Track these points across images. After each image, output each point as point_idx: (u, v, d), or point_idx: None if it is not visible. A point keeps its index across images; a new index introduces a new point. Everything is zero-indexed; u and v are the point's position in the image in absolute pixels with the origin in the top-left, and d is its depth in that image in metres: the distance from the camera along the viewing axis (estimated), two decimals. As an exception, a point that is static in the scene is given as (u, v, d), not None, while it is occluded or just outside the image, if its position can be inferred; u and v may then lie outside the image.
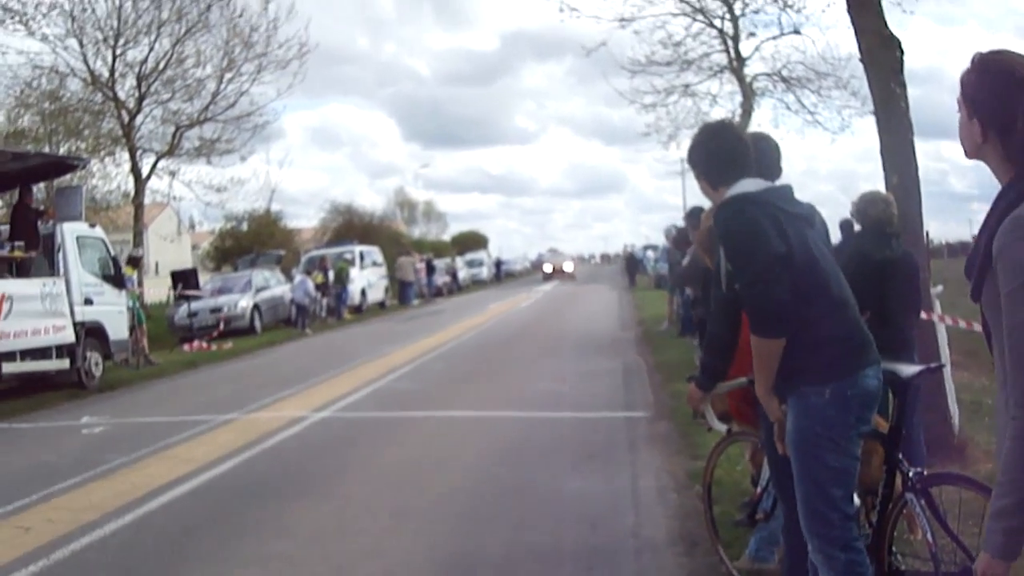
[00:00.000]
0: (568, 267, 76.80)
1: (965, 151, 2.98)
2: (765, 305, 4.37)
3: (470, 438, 11.89)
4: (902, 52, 9.59)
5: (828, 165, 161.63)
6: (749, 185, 4.66)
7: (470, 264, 71.79)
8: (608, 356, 19.75)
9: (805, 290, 4.40)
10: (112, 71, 31.75)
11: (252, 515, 8.63)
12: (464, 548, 7.40)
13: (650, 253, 60.71)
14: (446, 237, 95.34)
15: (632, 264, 58.29)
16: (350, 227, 58.62)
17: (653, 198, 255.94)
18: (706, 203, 6.12)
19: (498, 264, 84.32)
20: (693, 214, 10.42)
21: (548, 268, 77.02)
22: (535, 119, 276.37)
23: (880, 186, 9.15)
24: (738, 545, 6.45)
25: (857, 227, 8.09)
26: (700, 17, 27.12)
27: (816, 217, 5.55)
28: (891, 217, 7.59)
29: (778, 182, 5.22)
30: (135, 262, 24.28)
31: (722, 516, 7.21)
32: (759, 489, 6.16)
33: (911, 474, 4.76)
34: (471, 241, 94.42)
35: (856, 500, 5.09)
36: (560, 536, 7.54)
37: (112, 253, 21.34)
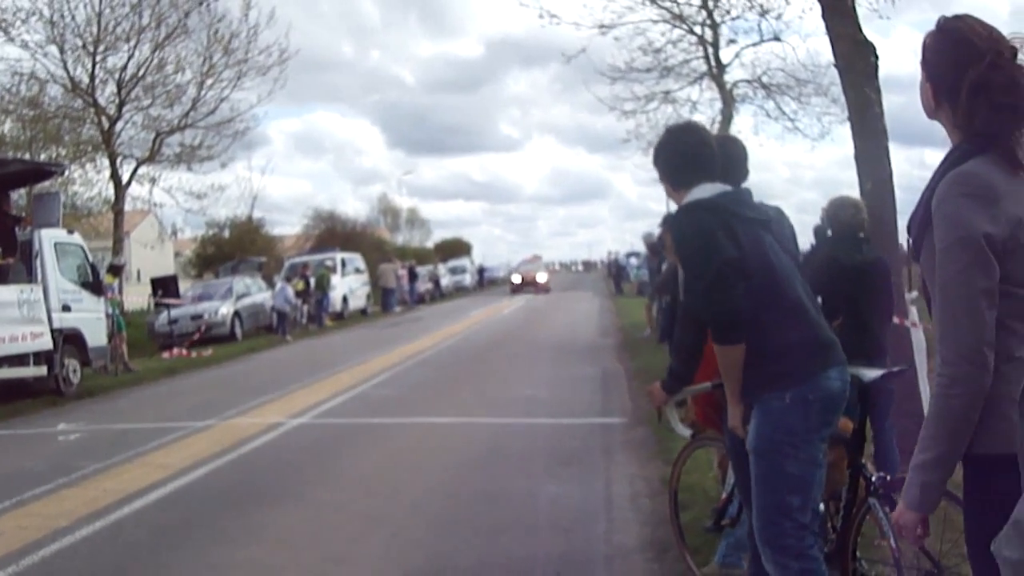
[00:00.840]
0: (541, 277, 64.89)
1: (925, 112, 3.01)
2: (719, 312, 4.36)
3: (447, 444, 11.86)
4: (877, 57, 9.61)
5: (812, 173, 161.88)
6: (704, 191, 4.65)
7: (453, 271, 71.76)
8: (587, 362, 19.77)
9: (760, 296, 4.38)
10: (92, 77, 31.66)
11: (223, 521, 8.60)
12: (435, 554, 7.35)
13: (633, 260, 60.80)
14: (430, 244, 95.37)
15: (617, 271, 58.64)
16: (333, 234, 58.49)
17: (637, 205, 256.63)
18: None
19: (481, 271, 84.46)
20: (668, 221, 10.42)
21: (516, 279, 65.50)
22: (519, 126, 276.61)
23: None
24: (708, 551, 6.43)
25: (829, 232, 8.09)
26: (680, 24, 27.15)
27: (783, 221, 5.56)
28: (861, 222, 7.58)
29: (745, 184, 5.24)
30: (116, 270, 24.18)
31: (692, 522, 7.22)
32: (724, 495, 6.15)
33: (874, 479, 4.75)
34: (455, 248, 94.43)
35: (820, 506, 5.10)
36: (532, 543, 7.52)
37: (90, 260, 21.25)
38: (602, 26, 26.26)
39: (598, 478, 9.55)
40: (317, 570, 7.12)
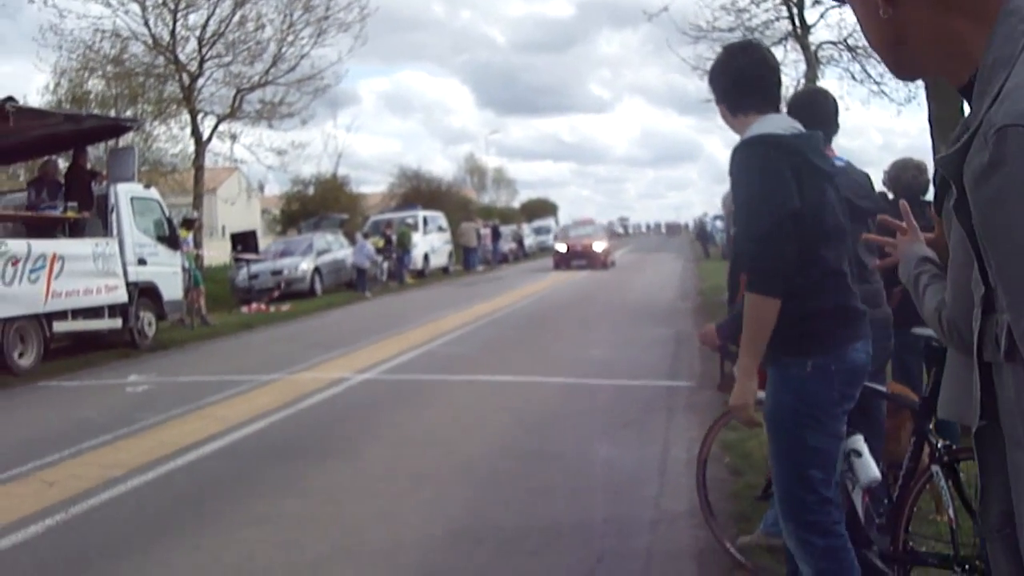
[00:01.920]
0: (599, 245, 45.28)
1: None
2: (770, 262, 4.02)
3: (507, 403, 11.75)
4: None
5: (905, 140, 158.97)
6: (774, 124, 4.26)
7: (537, 231, 71.60)
8: (662, 325, 19.51)
9: (803, 255, 4.05)
10: (173, 34, 31.73)
11: (272, 475, 8.58)
12: (479, 514, 7.26)
13: (719, 223, 60.23)
14: (516, 204, 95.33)
15: (703, 234, 57.86)
16: (417, 192, 58.62)
17: (726, 168, 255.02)
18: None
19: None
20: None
21: (561, 247, 46.05)
22: (610, 87, 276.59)
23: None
24: (757, 519, 6.25)
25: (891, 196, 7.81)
26: (764, -18, 26.63)
27: (854, 175, 5.28)
28: (925, 184, 7.31)
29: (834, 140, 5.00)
30: (189, 224, 24.35)
31: (744, 489, 7.07)
32: (773, 463, 5.95)
33: (939, 446, 4.50)
34: (540, 208, 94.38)
35: (876, 473, 4.88)
36: (579, 505, 7.39)
37: (167, 214, 21.39)
38: (686, -17, 25.90)
39: (656, 441, 9.37)
40: (359, 525, 7.04)
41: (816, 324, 4.09)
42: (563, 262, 44.31)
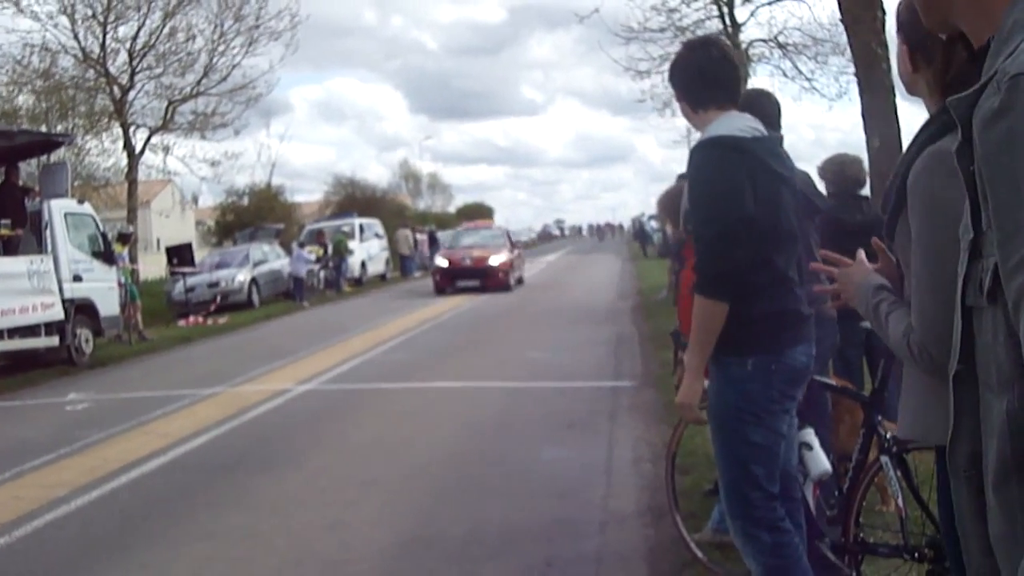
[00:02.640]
0: (497, 259, 33.46)
1: (903, 84, 2.81)
2: (721, 266, 4.03)
3: (452, 408, 11.77)
4: (884, 12, 9.42)
5: (837, 135, 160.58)
6: (738, 124, 4.22)
7: (475, 236, 71.52)
8: (602, 325, 19.65)
9: (753, 259, 4.07)
10: (103, 47, 31.51)
11: (219, 489, 8.54)
12: (429, 520, 7.26)
13: (654, 223, 60.55)
14: (452, 209, 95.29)
15: (642, 234, 58.13)
16: (353, 200, 58.43)
17: (661, 168, 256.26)
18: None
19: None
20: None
21: (442, 263, 34.11)
22: (543, 90, 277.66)
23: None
24: (704, 516, 6.30)
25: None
26: (695, -17, 26.83)
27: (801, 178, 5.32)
28: (860, 178, 7.41)
29: None
30: (124, 239, 24.08)
31: (692, 487, 7.11)
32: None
33: (888, 437, 4.56)
34: (477, 213, 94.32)
35: (828, 466, 4.95)
36: (528, 508, 7.40)
37: (102, 229, 21.14)
38: (616, -16, 26.00)
39: (601, 442, 9.43)
40: (309, 536, 7.01)
41: (759, 327, 4.12)
42: (447, 283, 32.23)
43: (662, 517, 6.67)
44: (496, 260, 32.47)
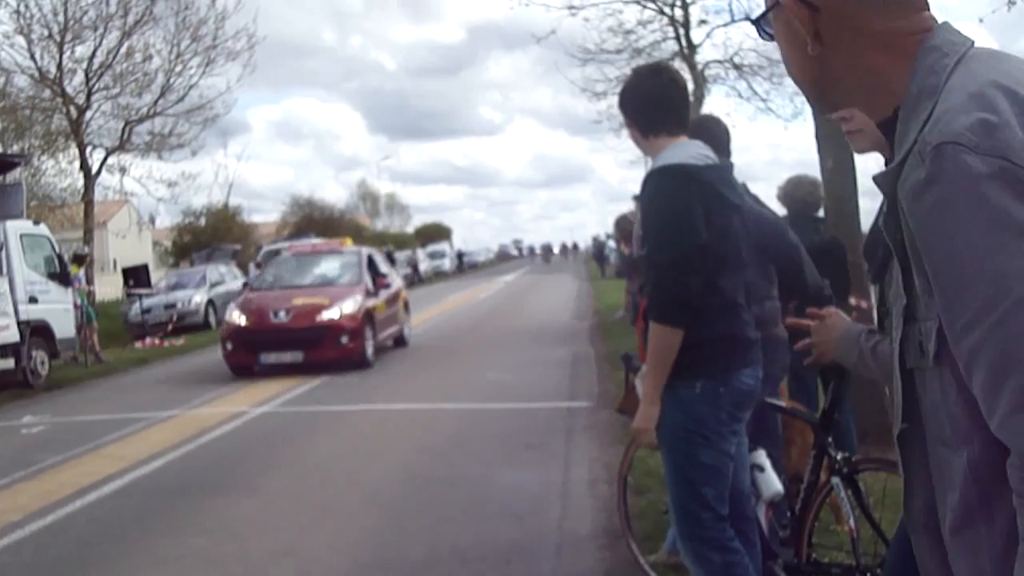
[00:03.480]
0: (339, 311, 18.26)
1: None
2: (675, 292, 4.08)
3: (409, 431, 11.77)
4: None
5: (793, 154, 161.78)
6: (691, 152, 4.28)
7: (432, 256, 71.65)
8: (559, 346, 19.70)
9: (703, 285, 4.14)
10: (60, 67, 31.31)
11: (174, 513, 8.50)
12: (386, 544, 7.27)
13: (612, 243, 60.72)
14: (410, 229, 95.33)
15: (600, 254, 58.33)
16: (311, 221, 58.37)
17: (619, 188, 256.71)
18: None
19: (460, 256, 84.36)
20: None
21: (239, 318, 18.70)
22: (501, 110, 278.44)
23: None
24: (660, 537, 6.34)
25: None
26: (650, 4, 26.94)
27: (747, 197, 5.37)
28: (818, 201, 7.49)
29: None
30: (80, 260, 23.91)
31: (648, 507, 7.16)
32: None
33: (839, 458, 4.63)
34: (434, 233, 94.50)
35: (780, 487, 5.01)
36: (484, 530, 7.43)
37: (58, 251, 21.01)
38: (571, 7, 26.01)
39: (557, 463, 9.47)
40: (263, 561, 7.01)
41: (707, 351, 4.17)
42: (245, 358, 18.15)
43: (618, 539, 6.70)
44: (335, 314, 18.30)
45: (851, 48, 1.79)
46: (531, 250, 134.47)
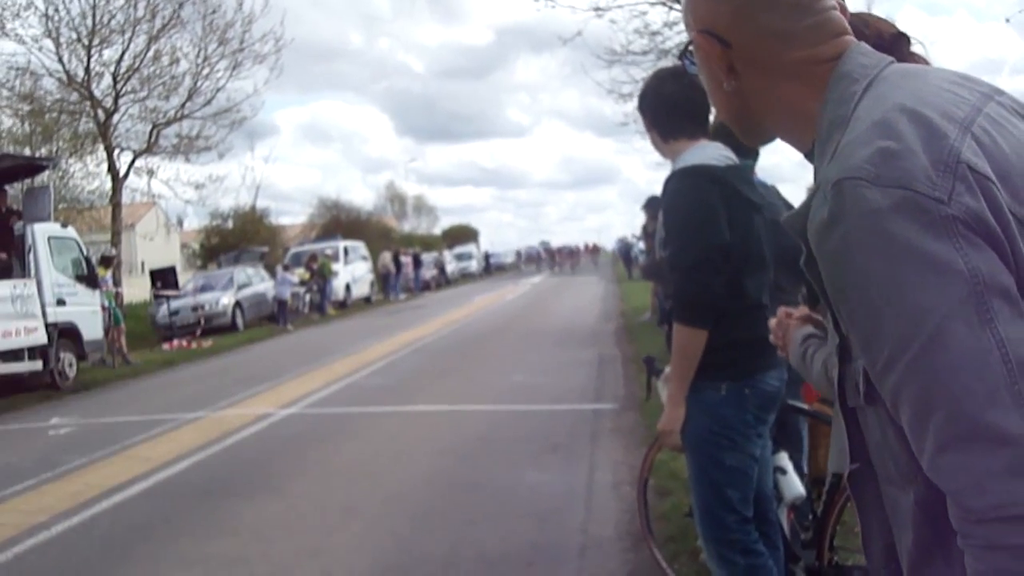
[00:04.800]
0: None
1: None
2: (699, 294, 4.07)
3: (434, 433, 11.76)
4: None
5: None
6: (711, 154, 4.27)
7: (459, 258, 71.73)
8: (585, 348, 19.64)
9: (727, 287, 4.12)
10: (88, 70, 31.45)
11: (199, 515, 8.53)
12: (409, 546, 7.27)
13: (641, 245, 60.39)
14: (437, 231, 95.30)
15: (627, 256, 58.19)
16: (338, 222, 58.39)
17: (646, 189, 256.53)
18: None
19: (487, 257, 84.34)
20: (650, 204, 10.25)
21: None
22: (529, 112, 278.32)
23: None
24: (683, 539, 6.34)
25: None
26: (676, 6, 26.85)
27: (776, 201, 5.32)
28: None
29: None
30: (107, 262, 24.03)
31: (672, 510, 7.14)
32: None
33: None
34: (462, 234, 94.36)
35: (801, 490, 4.99)
36: (508, 533, 7.42)
37: (85, 253, 21.15)
38: (597, 9, 25.97)
39: (582, 465, 9.45)
40: (288, 563, 7.03)
41: (732, 353, 4.15)
42: None
43: (641, 542, 6.67)
44: None
45: (765, 82, 1.76)
46: (536, 253, 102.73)
